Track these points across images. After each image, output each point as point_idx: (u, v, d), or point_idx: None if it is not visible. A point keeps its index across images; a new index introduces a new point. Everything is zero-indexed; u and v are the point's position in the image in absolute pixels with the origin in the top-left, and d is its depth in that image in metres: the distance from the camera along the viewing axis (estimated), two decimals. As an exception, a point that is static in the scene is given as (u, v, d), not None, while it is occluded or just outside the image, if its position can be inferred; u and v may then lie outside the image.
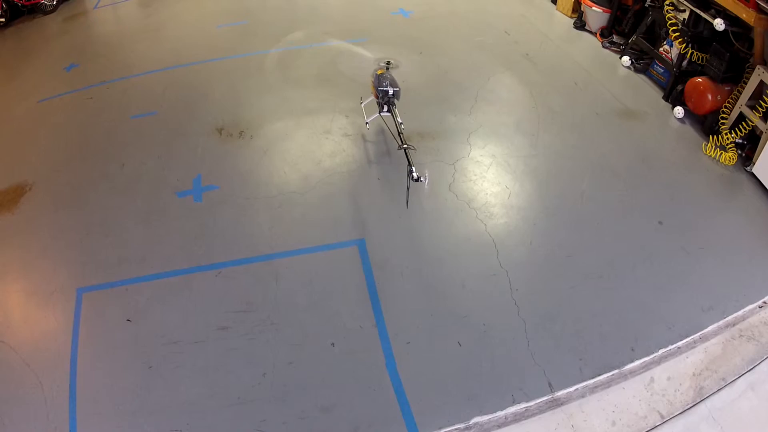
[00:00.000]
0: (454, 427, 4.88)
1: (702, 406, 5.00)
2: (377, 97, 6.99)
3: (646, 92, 8.33)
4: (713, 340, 5.45)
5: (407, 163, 5.97)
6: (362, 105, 7.41)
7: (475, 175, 6.99)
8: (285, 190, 6.90)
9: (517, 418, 4.96)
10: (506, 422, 4.94)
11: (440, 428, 4.87)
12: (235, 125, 7.98)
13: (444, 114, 7.92)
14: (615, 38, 9.35)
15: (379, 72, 7.04)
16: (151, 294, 5.99)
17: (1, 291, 6.18)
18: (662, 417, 4.93)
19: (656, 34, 8.53)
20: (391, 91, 6.76)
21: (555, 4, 10.52)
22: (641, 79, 8.60)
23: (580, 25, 9.82)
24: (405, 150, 6.25)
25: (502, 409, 4.96)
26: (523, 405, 4.98)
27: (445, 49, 9.36)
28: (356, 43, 9.62)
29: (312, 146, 7.50)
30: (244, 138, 7.77)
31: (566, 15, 10.14)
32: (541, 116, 7.82)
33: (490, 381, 5.13)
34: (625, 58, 8.83)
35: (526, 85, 8.41)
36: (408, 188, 6.16)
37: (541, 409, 4.99)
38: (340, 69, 9.02)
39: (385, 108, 6.79)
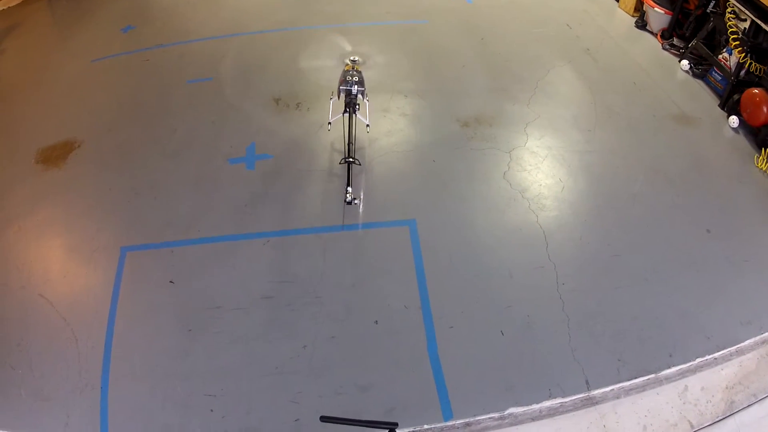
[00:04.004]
0: (488, 416, 4.67)
1: (731, 421, 4.74)
2: (337, 96, 6.37)
3: (703, 98, 7.85)
4: (749, 355, 5.16)
5: (347, 180, 5.67)
6: (331, 101, 6.63)
7: (530, 165, 6.67)
8: (339, 165, 6.63)
9: (551, 413, 4.75)
10: (540, 416, 4.74)
11: (475, 416, 4.66)
12: (292, 97, 7.71)
13: (502, 102, 7.56)
14: (675, 41, 8.83)
15: (346, 68, 6.48)
16: (196, 258, 5.83)
17: (43, 246, 6.06)
18: (692, 427, 4.69)
19: (716, 41, 8.04)
20: (354, 90, 6.18)
21: (617, 1, 9.98)
22: (699, 84, 8.10)
23: (642, 24, 9.32)
24: (348, 164, 5.84)
25: (537, 403, 4.73)
26: (558, 400, 4.75)
27: (506, 37, 8.93)
28: (417, 25, 9.23)
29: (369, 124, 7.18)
30: (300, 110, 7.51)
31: (628, 13, 9.62)
32: (598, 113, 7.41)
33: (529, 373, 4.90)
34: (684, 62, 8.35)
35: (585, 80, 7.99)
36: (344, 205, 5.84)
37: (575, 406, 4.77)
38: (400, 49, 8.64)
39: (348, 109, 6.20)
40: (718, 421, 4.73)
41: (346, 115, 6.23)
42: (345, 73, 6.36)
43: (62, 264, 5.86)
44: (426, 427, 4.63)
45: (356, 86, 6.18)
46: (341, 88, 6.24)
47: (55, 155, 6.99)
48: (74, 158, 6.95)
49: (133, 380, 4.94)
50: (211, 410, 4.75)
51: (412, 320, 5.25)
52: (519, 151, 6.85)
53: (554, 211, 6.16)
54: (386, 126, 7.20)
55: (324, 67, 8.21)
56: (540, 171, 6.60)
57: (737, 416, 4.76)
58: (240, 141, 7.04)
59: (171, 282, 5.61)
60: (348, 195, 5.60)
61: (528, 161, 6.72)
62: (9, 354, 5.17)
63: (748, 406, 4.83)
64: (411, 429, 4.60)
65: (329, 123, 6.41)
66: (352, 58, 6.68)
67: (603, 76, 8.08)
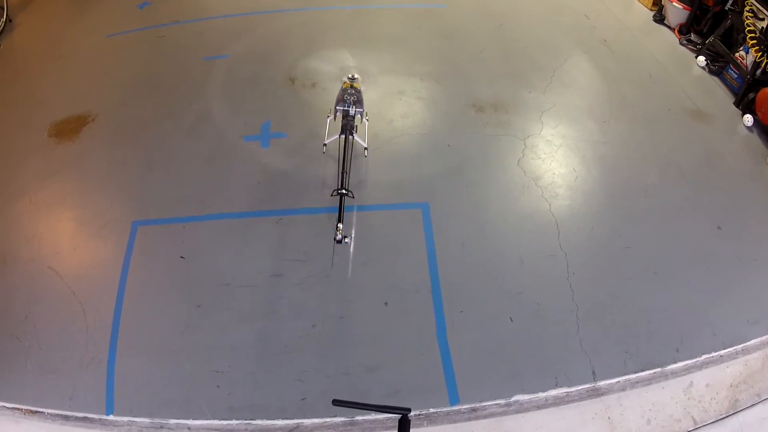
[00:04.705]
0: (494, 402, 4.61)
1: (734, 419, 4.67)
2: (333, 116, 5.91)
3: (718, 95, 7.69)
4: (754, 354, 5.07)
5: (337, 215, 5.02)
6: (328, 120, 6.19)
7: (545, 153, 6.54)
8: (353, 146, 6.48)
9: (557, 402, 4.68)
10: (546, 404, 4.67)
11: (481, 401, 4.60)
12: (309, 76, 7.58)
13: (519, 89, 7.41)
14: (693, 37, 8.67)
15: (344, 86, 5.96)
16: (208, 234, 5.75)
17: (54, 219, 5.97)
18: (695, 423, 4.62)
19: (734, 39, 7.86)
20: (352, 111, 5.71)
21: (635, -6, 9.82)
22: (714, 81, 7.94)
23: (660, 18, 9.14)
24: (340, 197, 5.13)
25: (544, 391, 4.68)
26: (564, 389, 4.69)
27: (525, 24, 8.75)
28: (435, 8, 9.04)
29: (384, 106, 7.07)
30: (316, 90, 7.38)
31: (646, 6, 9.44)
32: (613, 104, 7.26)
33: (537, 361, 4.84)
34: (701, 58, 8.19)
35: (601, 71, 7.82)
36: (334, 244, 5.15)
37: (581, 396, 4.71)
38: (418, 32, 8.48)
39: (344, 132, 5.63)
40: (722, 419, 4.66)
41: (343, 137, 5.69)
42: (342, 91, 5.92)
43: (72, 237, 5.78)
44: (432, 410, 4.57)
45: (354, 107, 5.77)
46: (338, 108, 5.81)
47: (68, 129, 6.87)
48: (87, 132, 6.84)
49: (140, 355, 4.88)
50: (218, 387, 4.69)
51: (422, 303, 5.17)
52: (534, 138, 6.72)
53: (567, 200, 6.06)
54: (402, 109, 7.07)
55: (340, 48, 8.08)
56: (554, 160, 6.48)
57: (740, 415, 4.69)
58: (255, 118, 6.92)
59: (182, 258, 5.52)
60: (338, 233, 4.85)
61: (543, 149, 6.59)
62: (16, 326, 5.10)
63: (752, 405, 4.76)
64: (417, 412, 4.53)
65: (324, 145, 6.20)
66: (350, 75, 6.36)
67: (619, 68, 7.92)
